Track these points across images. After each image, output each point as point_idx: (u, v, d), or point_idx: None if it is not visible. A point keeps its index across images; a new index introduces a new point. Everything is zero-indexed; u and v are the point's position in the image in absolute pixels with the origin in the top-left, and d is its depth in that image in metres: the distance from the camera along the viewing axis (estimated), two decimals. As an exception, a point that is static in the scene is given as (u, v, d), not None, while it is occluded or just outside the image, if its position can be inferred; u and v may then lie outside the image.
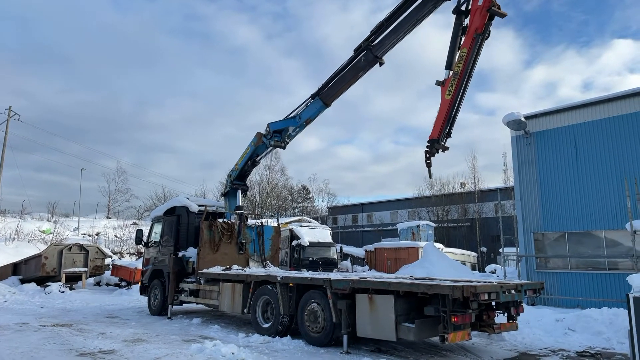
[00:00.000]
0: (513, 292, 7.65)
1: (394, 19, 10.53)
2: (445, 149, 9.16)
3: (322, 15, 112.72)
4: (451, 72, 9.02)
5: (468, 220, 44.48)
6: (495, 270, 28.77)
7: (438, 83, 9.17)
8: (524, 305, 8.85)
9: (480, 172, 70.70)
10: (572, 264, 15.32)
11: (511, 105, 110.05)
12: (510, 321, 8.27)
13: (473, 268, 33.21)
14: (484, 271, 31.49)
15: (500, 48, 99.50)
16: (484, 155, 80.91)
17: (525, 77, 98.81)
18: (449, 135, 9.21)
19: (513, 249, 19.05)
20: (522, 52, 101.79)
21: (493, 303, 7.81)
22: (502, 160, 48.67)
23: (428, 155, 9.26)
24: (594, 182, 15.00)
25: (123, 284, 21.47)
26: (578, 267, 15.16)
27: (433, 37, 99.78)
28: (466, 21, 9.27)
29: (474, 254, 36.37)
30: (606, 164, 14.78)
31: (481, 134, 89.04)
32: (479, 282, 7.97)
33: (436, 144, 9.06)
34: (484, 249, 40.72)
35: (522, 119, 16.20)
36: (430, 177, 9.99)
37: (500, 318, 8.26)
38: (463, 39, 9.21)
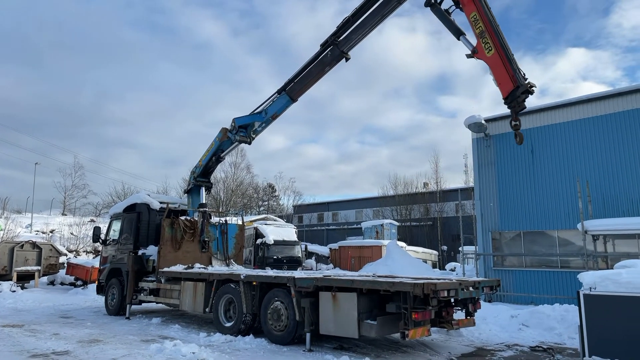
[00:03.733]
0: (471, 289, 7.89)
1: (360, 15, 10.69)
2: (531, 87, 8.22)
3: (289, 14, 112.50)
4: (475, 37, 8.85)
5: (430, 220, 45.50)
6: (455, 268, 29.57)
7: (469, 56, 9.00)
8: (481, 302, 9.15)
9: (442, 172, 72.62)
10: (527, 262, 15.95)
11: (471, 109, 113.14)
12: (468, 317, 8.55)
13: (434, 266, 34.02)
14: (444, 269, 32.30)
15: (461, 53, 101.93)
16: (446, 157, 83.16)
17: (484, 82, 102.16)
18: (524, 76, 8.34)
19: (472, 248, 19.62)
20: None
21: (452, 300, 8.03)
22: (464, 161, 50.03)
23: (515, 115, 8.56)
24: (548, 183, 15.66)
25: (79, 283, 20.71)
26: (532, 265, 15.80)
27: (398, 39, 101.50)
28: (444, 6, 9.56)
29: (435, 252, 37.25)
30: (560, 166, 15.47)
31: (443, 136, 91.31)
32: (439, 279, 8.17)
33: (519, 89, 8.23)
34: (445, 248, 41.78)
35: (483, 121, 16.73)
36: (520, 142, 8.82)
37: (459, 314, 8.50)
38: (453, 18, 9.40)
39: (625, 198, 14.02)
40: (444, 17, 9.55)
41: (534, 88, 8.26)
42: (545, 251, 15.50)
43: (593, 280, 6.82)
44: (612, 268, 8.16)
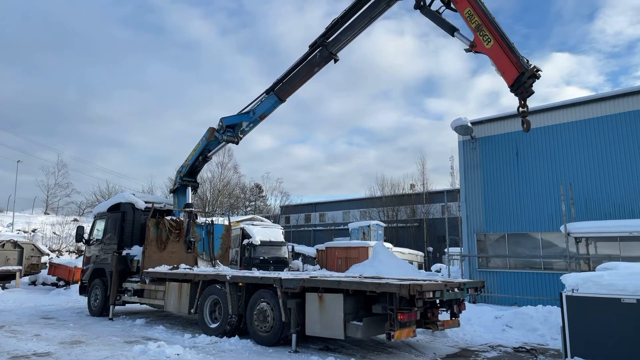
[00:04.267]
0: (456, 290, 7.94)
1: (349, 17, 10.72)
2: (538, 70, 8.12)
3: (278, 15, 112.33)
4: (472, 32, 8.77)
5: (416, 221, 45.80)
6: (441, 269, 29.86)
7: (468, 50, 8.94)
8: (466, 303, 9.23)
9: (428, 174, 73.20)
10: (510, 263, 16.13)
11: (458, 112, 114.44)
12: (453, 318, 8.60)
13: (420, 267, 34.25)
14: (430, 270, 32.56)
15: (449, 56, 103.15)
16: (432, 158, 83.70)
17: (471, 85, 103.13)
18: (527, 62, 8.25)
19: (457, 249, 19.80)
20: (469, 61, 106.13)
21: (437, 301, 8.08)
22: (450, 163, 50.52)
23: (523, 102, 8.42)
24: (532, 186, 15.87)
25: (61, 283, 20.38)
26: (516, 266, 15.99)
27: (386, 42, 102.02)
28: (433, 7, 9.58)
29: (421, 253, 37.50)
30: (544, 169, 15.69)
31: (430, 138, 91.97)
32: (424, 280, 8.21)
33: (525, 74, 8.13)
34: (431, 249, 42.10)
35: (469, 124, 16.89)
36: (527, 129, 8.71)
37: (444, 315, 8.56)
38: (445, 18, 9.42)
39: (608, 201, 14.28)
40: (435, 17, 9.55)
41: (540, 72, 8.16)
42: (529, 253, 15.70)
43: (575, 282, 6.93)
44: (594, 270, 8.30)
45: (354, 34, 10.84)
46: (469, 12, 8.74)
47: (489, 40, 8.54)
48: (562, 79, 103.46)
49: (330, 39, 11.03)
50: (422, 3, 9.70)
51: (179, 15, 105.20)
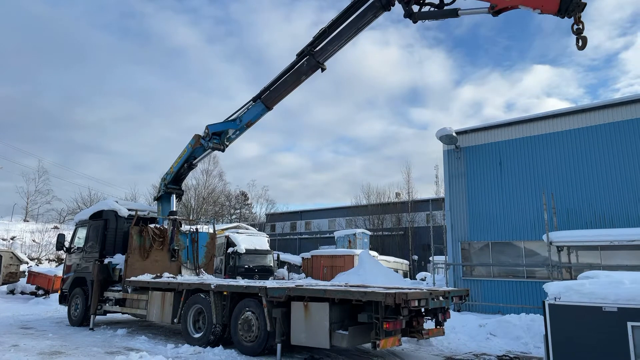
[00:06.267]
0: (441, 299, 7.98)
1: (336, 27, 10.79)
2: None
3: (264, 24, 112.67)
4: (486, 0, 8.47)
5: (401, 229, 46.00)
6: (425, 277, 30.02)
7: (489, 12, 8.57)
8: (451, 312, 9.28)
9: (414, 183, 73.79)
10: (494, 272, 16.29)
11: (442, 121, 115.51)
12: (438, 327, 8.63)
13: (405, 275, 34.36)
14: (415, 278, 32.69)
15: (433, 67, 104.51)
16: (417, 167, 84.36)
17: (454, 96, 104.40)
18: None
19: (442, 258, 19.91)
20: (453, 72, 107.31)
21: (422, 309, 8.11)
22: (435, 172, 50.97)
23: (578, 18, 7.86)
24: (515, 195, 16.10)
25: (40, 292, 19.96)
26: (500, 275, 16.14)
27: (371, 52, 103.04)
28: (424, 10, 9.55)
29: (406, 261, 37.63)
30: (527, 179, 15.94)
31: (415, 147, 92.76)
32: (410, 289, 8.24)
33: None
34: (416, 257, 42.29)
35: (454, 134, 17.11)
36: (583, 47, 8.06)
37: (429, 324, 8.59)
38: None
39: (589, 210, 14.55)
40: (431, 14, 9.39)
41: None
42: (512, 261, 15.87)
43: (558, 291, 7.01)
44: (575, 278, 8.42)
45: (341, 43, 10.92)
46: None
47: None
48: (543, 90, 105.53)
49: (317, 48, 11.09)
50: (412, 12, 9.70)
51: (165, 23, 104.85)
